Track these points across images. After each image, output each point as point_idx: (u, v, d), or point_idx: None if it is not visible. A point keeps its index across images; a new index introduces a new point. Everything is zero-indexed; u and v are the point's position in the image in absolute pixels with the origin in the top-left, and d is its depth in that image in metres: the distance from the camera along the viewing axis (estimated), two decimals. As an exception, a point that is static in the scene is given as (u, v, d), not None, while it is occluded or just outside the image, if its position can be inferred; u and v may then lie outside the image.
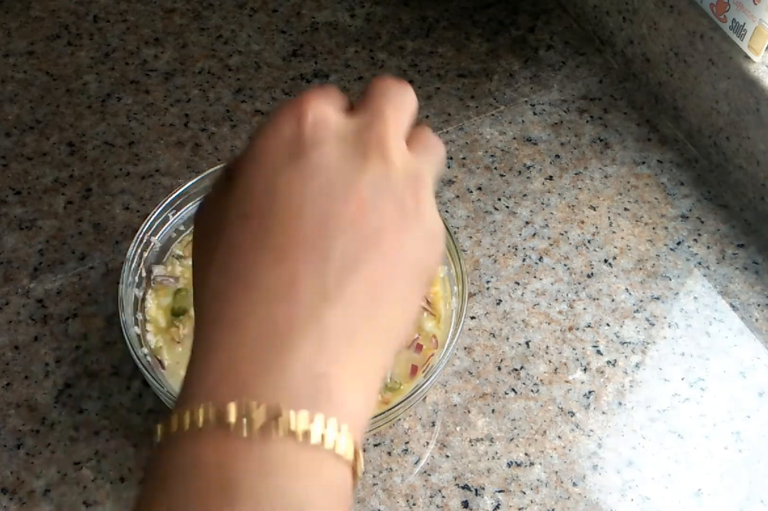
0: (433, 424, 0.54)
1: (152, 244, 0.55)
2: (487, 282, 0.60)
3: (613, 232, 0.63)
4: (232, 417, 0.27)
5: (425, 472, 0.53)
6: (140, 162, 0.66)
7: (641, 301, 0.60)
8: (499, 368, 0.57)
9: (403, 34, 0.74)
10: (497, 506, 0.52)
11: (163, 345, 0.53)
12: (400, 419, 0.54)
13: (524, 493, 0.52)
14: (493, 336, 0.58)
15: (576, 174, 0.66)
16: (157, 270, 0.55)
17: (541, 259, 0.62)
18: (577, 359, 0.57)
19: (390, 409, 0.47)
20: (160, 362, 0.52)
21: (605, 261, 0.62)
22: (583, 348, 0.58)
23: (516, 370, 0.57)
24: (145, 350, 0.51)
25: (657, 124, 0.69)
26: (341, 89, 0.35)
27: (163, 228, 0.55)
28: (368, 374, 0.30)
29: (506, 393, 0.56)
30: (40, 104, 0.69)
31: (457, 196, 0.64)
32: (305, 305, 0.29)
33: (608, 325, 0.59)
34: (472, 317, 0.59)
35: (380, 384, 0.31)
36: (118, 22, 0.74)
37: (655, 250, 0.62)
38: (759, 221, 0.63)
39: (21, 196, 0.64)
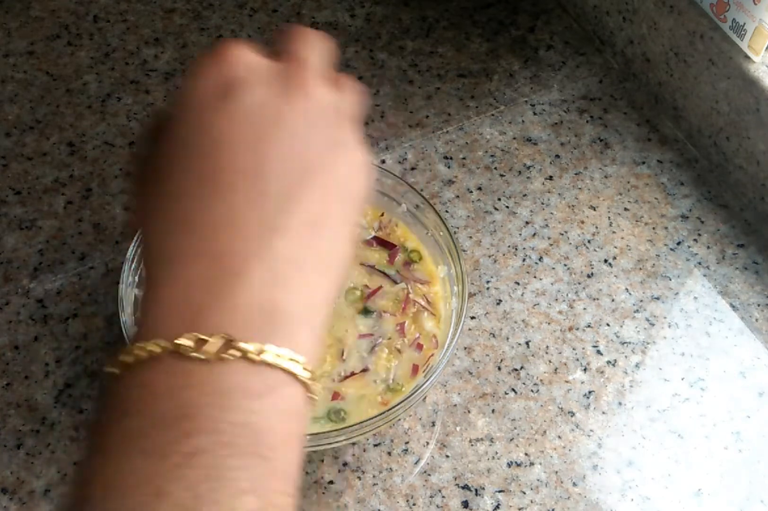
0: (433, 424, 0.54)
1: (152, 244, 0.55)
2: (487, 282, 0.60)
3: (613, 232, 0.63)
4: (187, 346, 0.28)
5: (425, 472, 0.53)
6: (140, 162, 0.66)
7: (641, 301, 0.60)
8: (499, 368, 0.57)
9: (403, 34, 0.74)
10: (497, 506, 0.52)
11: (163, 345, 0.53)
12: (400, 419, 0.54)
13: (524, 493, 0.52)
14: (493, 336, 0.58)
15: (576, 174, 0.66)
16: (157, 270, 0.55)
17: (541, 259, 0.62)
18: (577, 359, 0.57)
19: (390, 409, 0.47)
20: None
21: (605, 261, 0.62)
22: (583, 348, 0.58)
23: (516, 370, 0.57)
24: (145, 350, 0.51)
25: (657, 124, 0.69)
26: None
27: (163, 228, 0.55)
28: (316, 301, 0.31)
29: (506, 393, 0.56)
30: (40, 104, 0.69)
31: (457, 196, 0.64)
32: (253, 236, 0.30)
33: (608, 325, 0.59)
34: (472, 317, 0.59)
35: (326, 312, 0.32)
36: (118, 22, 0.74)
37: (655, 250, 0.62)
38: (759, 221, 0.63)
39: (21, 196, 0.64)
